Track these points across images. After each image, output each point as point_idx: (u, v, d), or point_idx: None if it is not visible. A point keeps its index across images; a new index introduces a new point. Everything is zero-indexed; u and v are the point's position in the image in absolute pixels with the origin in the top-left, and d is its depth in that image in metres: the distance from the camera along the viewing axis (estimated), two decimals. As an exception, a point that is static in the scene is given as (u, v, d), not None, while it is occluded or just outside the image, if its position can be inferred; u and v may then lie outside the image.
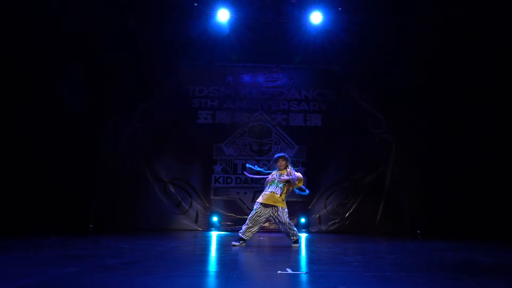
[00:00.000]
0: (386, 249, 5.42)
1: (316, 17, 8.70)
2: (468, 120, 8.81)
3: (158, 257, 4.04)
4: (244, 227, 5.39)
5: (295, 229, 5.44)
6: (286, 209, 5.39)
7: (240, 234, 5.35)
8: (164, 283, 2.68)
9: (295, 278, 3.00)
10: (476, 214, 8.33)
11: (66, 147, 8.64)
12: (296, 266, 3.66)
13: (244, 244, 5.31)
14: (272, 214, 5.35)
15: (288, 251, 5.01)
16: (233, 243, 5.32)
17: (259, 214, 5.33)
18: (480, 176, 8.47)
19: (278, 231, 8.42)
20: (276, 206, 5.32)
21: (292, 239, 5.38)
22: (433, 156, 8.88)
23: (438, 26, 8.51)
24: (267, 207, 5.35)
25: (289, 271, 3.28)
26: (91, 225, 8.72)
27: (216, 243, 6.04)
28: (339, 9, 8.69)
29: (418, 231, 8.61)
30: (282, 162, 5.60)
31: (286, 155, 5.76)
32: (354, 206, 9.08)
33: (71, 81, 8.56)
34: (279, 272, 3.23)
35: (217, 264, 3.72)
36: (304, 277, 3.01)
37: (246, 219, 5.50)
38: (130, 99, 9.39)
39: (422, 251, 5.09)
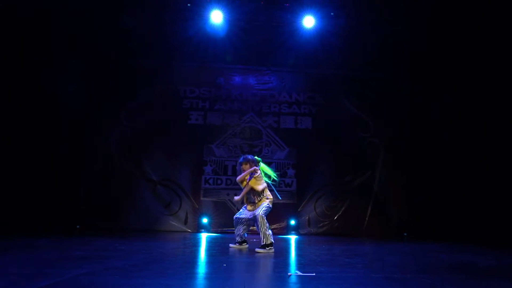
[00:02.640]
0: (381, 251, 5.54)
1: (308, 21, 8.82)
2: (454, 124, 9.06)
3: (163, 258, 4.02)
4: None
5: (270, 232, 4.98)
6: (264, 204, 5.10)
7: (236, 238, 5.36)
8: (185, 284, 2.69)
9: (308, 280, 3.04)
10: (461, 217, 8.58)
11: (54, 146, 8.47)
12: (302, 268, 3.70)
13: (241, 245, 5.34)
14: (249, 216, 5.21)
15: (288, 253, 5.06)
16: (231, 244, 5.25)
17: (241, 214, 5.29)
18: (465, 180, 8.73)
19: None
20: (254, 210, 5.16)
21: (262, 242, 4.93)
22: (420, 160, 9.12)
23: (426, 32, 8.77)
24: (247, 210, 5.27)
25: (299, 273, 3.33)
26: (77, 226, 8.55)
27: (213, 245, 6.04)
28: (331, 14, 8.85)
29: (405, 234, 8.84)
30: (245, 167, 5.26)
31: (248, 158, 5.32)
32: (343, 209, 9.22)
33: (60, 79, 8.41)
34: (289, 274, 3.28)
35: (225, 265, 3.73)
36: (317, 279, 3.06)
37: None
38: (119, 98, 9.26)
39: (417, 253, 5.23)
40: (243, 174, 5.22)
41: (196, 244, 6.09)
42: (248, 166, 5.27)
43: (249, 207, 5.25)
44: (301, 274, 3.30)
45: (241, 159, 5.38)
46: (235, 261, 4.10)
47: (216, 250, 5.33)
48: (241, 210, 5.38)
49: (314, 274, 3.29)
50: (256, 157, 5.45)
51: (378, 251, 5.59)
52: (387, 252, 5.29)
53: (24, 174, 8.09)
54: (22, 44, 8.09)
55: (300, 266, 3.86)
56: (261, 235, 4.95)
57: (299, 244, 6.66)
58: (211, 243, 6.31)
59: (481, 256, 5.04)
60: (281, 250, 5.34)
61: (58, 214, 8.30)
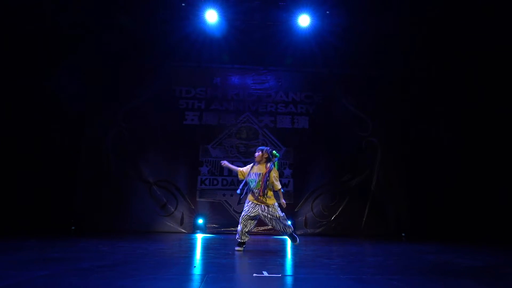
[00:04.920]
0: (368, 252, 5.41)
1: (304, 20, 8.72)
2: (453, 123, 8.88)
3: (138, 259, 3.98)
4: (238, 229, 5.15)
5: (289, 223, 5.31)
6: (276, 204, 5.17)
7: (237, 239, 5.14)
8: (138, 286, 2.65)
9: (270, 281, 2.97)
10: (460, 217, 8.39)
11: (49, 146, 8.55)
12: (273, 269, 3.62)
13: (242, 248, 5.14)
14: (261, 212, 5.09)
15: (270, 254, 4.99)
16: (236, 248, 5.07)
17: (249, 214, 5.11)
18: (464, 179, 8.54)
19: (264, 233, 8.49)
20: (264, 204, 5.09)
21: (287, 232, 5.31)
22: (418, 160, 8.94)
23: (424, 30, 8.60)
24: (256, 205, 5.11)
25: (266, 274, 3.26)
26: (73, 227, 8.61)
27: (199, 246, 5.99)
28: (327, 12, 8.73)
29: (403, 234, 8.67)
30: (259, 154, 5.24)
31: (266, 149, 5.28)
32: (340, 209, 9.09)
33: (55, 80, 8.49)
34: (254, 275, 3.21)
35: (195, 267, 3.68)
36: (279, 280, 2.98)
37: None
38: (115, 98, 9.31)
39: (404, 254, 5.09)
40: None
41: (183, 245, 6.05)
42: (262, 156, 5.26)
43: (253, 199, 5.15)
44: (267, 275, 3.23)
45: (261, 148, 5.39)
46: (208, 262, 4.03)
47: (199, 251, 5.28)
48: (247, 208, 5.16)
49: (280, 275, 3.22)
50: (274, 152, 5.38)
51: (365, 251, 5.46)
52: (374, 253, 5.17)
53: (19, 174, 8.17)
54: (19, 44, 8.17)
55: (273, 267, 3.77)
56: (288, 230, 5.30)
57: (290, 245, 6.55)
58: (201, 244, 6.26)
59: (469, 257, 4.88)
60: (265, 251, 5.27)
61: (54, 215, 8.36)
